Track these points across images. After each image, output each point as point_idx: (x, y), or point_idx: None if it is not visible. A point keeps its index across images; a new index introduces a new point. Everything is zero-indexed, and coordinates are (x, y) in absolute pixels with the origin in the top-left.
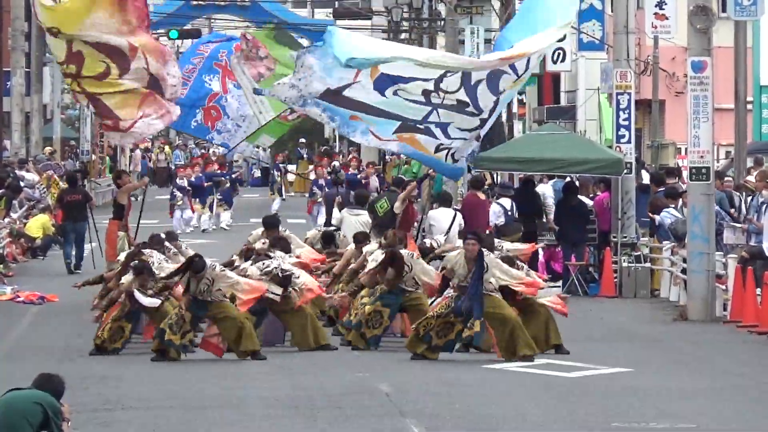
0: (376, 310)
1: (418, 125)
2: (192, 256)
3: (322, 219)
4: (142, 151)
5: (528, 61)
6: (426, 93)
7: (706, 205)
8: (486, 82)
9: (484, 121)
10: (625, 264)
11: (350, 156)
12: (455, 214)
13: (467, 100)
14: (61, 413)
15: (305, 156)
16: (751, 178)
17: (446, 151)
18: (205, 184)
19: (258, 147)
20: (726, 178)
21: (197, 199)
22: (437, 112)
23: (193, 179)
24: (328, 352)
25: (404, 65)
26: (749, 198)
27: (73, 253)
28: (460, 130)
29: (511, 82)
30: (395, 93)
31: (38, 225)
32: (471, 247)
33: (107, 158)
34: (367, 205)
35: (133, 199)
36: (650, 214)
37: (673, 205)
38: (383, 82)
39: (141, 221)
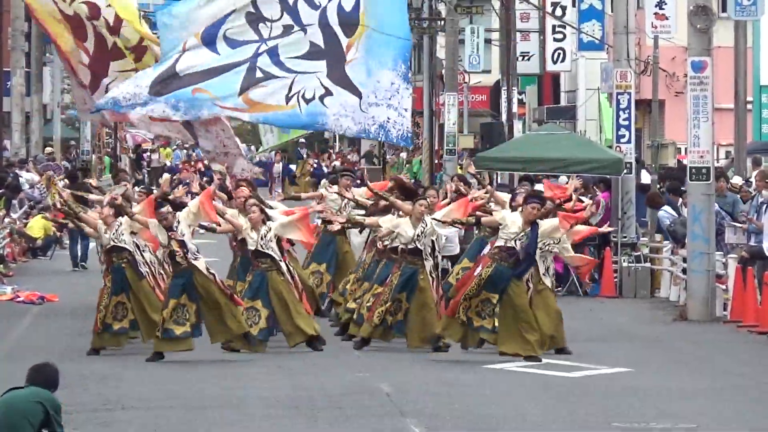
0: (395, 299)
1: (257, 76)
2: (158, 195)
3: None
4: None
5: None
6: (252, 21)
7: (706, 205)
8: None
9: (316, 46)
10: (625, 264)
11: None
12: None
13: (291, 22)
14: (61, 408)
15: (305, 156)
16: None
17: (296, 96)
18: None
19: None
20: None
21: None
22: (266, 44)
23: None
24: (325, 351)
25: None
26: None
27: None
28: (292, 59)
29: None
30: (225, 38)
31: (40, 225)
32: (533, 211)
33: (107, 158)
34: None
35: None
36: (647, 207)
37: (673, 202)
38: (209, 35)
39: None
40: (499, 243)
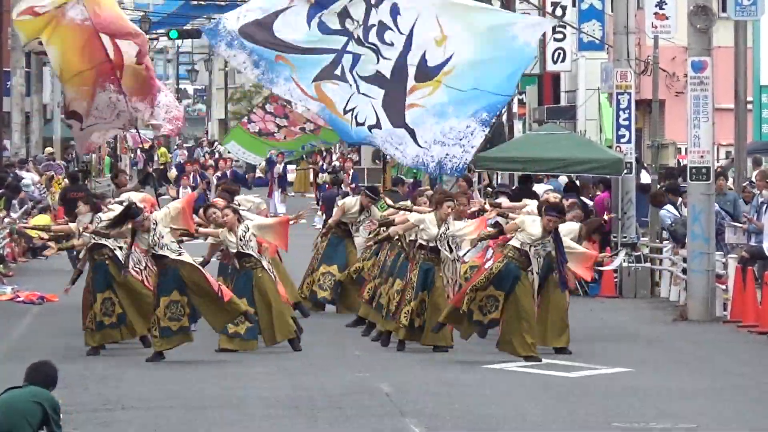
0: (420, 299)
1: (335, 72)
2: (128, 204)
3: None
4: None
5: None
6: (343, 14)
7: (706, 205)
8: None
9: (381, 75)
10: (625, 264)
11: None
12: None
13: (375, 38)
14: (59, 407)
15: (304, 156)
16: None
17: (350, 112)
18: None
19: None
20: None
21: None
22: (353, 41)
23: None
24: (325, 351)
25: None
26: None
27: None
28: (360, 76)
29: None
30: (320, 23)
31: (42, 225)
32: (551, 224)
33: (107, 158)
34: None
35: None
36: (651, 206)
37: (673, 201)
38: (316, 8)
39: None
40: (515, 243)
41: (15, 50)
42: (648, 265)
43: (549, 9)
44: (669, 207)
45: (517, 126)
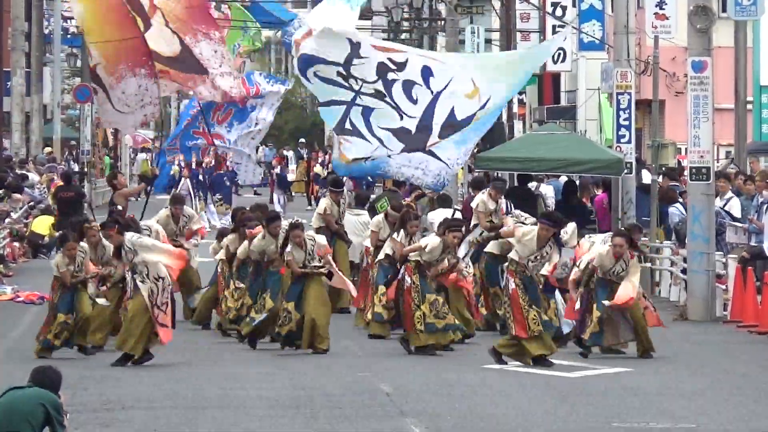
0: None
1: (344, 125)
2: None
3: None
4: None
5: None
6: (344, 76)
7: (706, 205)
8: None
9: (406, 130)
10: None
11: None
12: (453, 212)
13: (383, 90)
14: (62, 408)
15: (305, 156)
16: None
17: (369, 158)
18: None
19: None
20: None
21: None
22: (360, 96)
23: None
24: (322, 352)
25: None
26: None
27: None
28: (381, 129)
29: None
30: (314, 74)
31: (46, 224)
32: (544, 232)
33: (106, 158)
34: (368, 205)
35: (132, 199)
36: (660, 203)
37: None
38: (304, 61)
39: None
40: (514, 256)
41: (15, 50)
42: (648, 265)
43: (549, 9)
44: (678, 205)
45: (517, 126)
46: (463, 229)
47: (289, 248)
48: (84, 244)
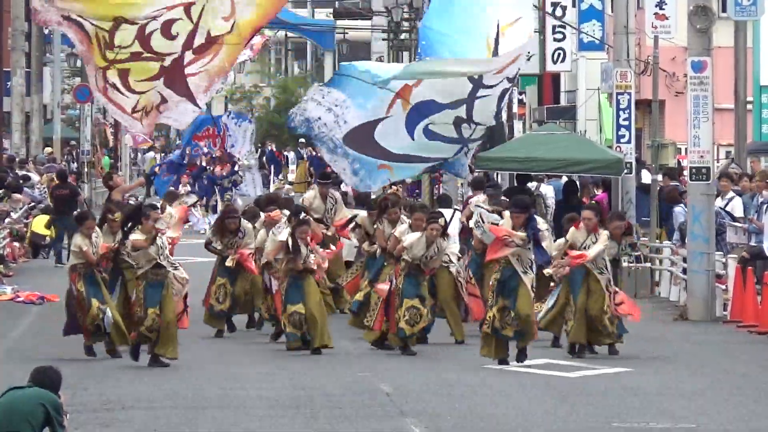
0: (411, 306)
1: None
2: (140, 203)
3: None
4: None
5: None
6: (458, 122)
7: (706, 205)
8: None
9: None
10: (625, 264)
11: None
12: (454, 212)
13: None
14: (62, 408)
15: (305, 156)
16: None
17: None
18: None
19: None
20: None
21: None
22: (467, 147)
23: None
24: (325, 351)
25: (430, 83)
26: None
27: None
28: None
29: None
30: (426, 130)
31: (48, 224)
32: (516, 220)
33: (105, 158)
34: (367, 206)
35: (132, 200)
36: (666, 203)
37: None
38: (415, 115)
39: None
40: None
41: (15, 50)
42: (648, 265)
43: (549, 9)
44: (683, 205)
45: (517, 126)
46: (441, 220)
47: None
48: (97, 230)
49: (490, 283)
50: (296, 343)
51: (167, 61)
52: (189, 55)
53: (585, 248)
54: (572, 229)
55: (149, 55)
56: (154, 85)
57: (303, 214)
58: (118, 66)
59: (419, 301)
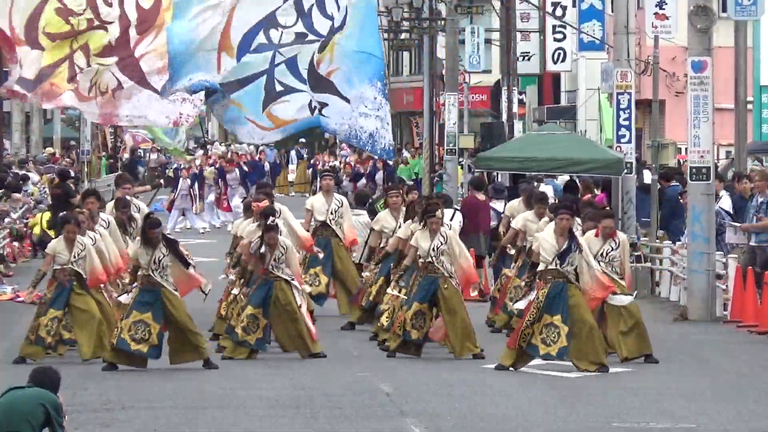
0: (417, 311)
1: (277, 90)
2: (147, 213)
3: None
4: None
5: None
6: (265, 29)
7: (706, 205)
8: (316, 4)
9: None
10: None
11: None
12: (454, 212)
13: (304, 30)
14: (62, 408)
15: (305, 156)
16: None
17: (316, 108)
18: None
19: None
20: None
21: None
22: (279, 52)
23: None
24: (325, 351)
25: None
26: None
27: None
28: (306, 70)
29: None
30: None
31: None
32: (564, 222)
33: (104, 158)
34: (367, 205)
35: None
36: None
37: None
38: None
39: None
40: (542, 267)
41: None
42: (648, 265)
43: (549, 9)
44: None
45: (517, 126)
46: (439, 212)
47: (263, 249)
48: (111, 219)
49: (533, 298)
50: (237, 351)
51: (112, 31)
52: (134, 36)
53: (602, 255)
54: (590, 234)
55: (98, 23)
56: (107, 62)
57: (272, 219)
58: (80, 41)
59: (428, 306)
